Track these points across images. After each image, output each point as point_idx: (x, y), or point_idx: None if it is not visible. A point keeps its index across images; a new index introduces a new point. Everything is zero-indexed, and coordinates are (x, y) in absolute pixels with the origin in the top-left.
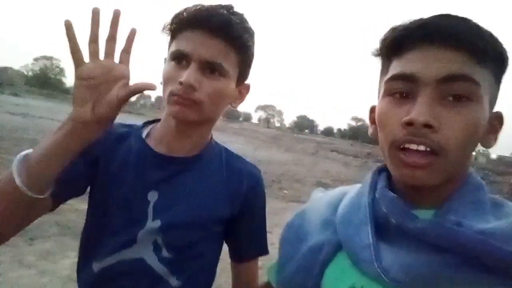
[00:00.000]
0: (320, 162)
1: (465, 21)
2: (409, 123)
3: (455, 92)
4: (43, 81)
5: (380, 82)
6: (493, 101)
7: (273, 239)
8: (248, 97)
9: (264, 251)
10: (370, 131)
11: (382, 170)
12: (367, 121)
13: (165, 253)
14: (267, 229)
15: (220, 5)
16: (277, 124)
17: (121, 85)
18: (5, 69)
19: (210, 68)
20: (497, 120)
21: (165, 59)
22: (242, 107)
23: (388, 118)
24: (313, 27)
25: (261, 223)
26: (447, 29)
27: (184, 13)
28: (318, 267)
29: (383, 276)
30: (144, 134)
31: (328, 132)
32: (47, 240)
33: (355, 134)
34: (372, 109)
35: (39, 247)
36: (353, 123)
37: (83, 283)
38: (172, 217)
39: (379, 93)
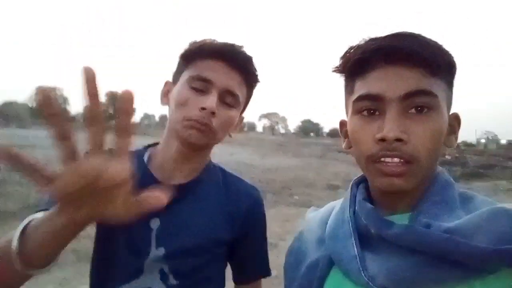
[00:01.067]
0: (328, 165)
1: (417, 39)
2: (382, 139)
3: (417, 105)
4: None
5: (346, 99)
6: (449, 104)
7: (287, 245)
8: (251, 107)
9: (266, 272)
10: (344, 145)
11: (360, 182)
12: None
13: (172, 280)
14: (280, 237)
15: (237, 44)
16: (282, 131)
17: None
18: (10, 104)
19: (227, 100)
20: (456, 121)
21: (167, 82)
22: (246, 117)
23: (361, 136)
24: (309, 27)
25: (262, 244)
26: (403, 50)
27: (207, 43)
28: (316, 284)
29: (371, 284)
30: (145, 158)
31: (334, 133)
32: (64, 267)
33: None
34: (342, 123)
35: (57, 274)
36: None
37: None
38: (175, 244)
39: (347, 110)
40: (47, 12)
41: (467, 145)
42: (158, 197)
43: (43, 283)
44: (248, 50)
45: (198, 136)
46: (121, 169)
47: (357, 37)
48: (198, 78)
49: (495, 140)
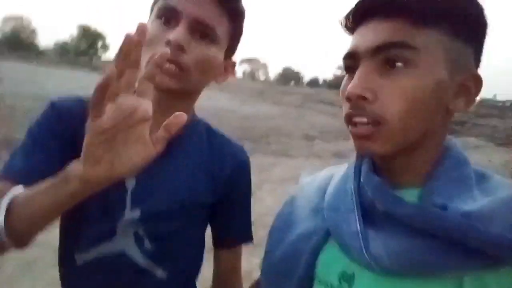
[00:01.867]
0: (307, 115)
1: None
2: (347, 98)
3: (390, 58)
4: (15, 42)
5: None
6: (458, 60)
7: (263, 194)
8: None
9: (248, 239)
10: None
11: None
12: None
13: (147, 244)
14: (257, 186)
15: None
16: (262, 78)
17: (147, 132)
18: None
19: (201, 31)
20: (473, 81)
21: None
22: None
23: (342, 96)
24: None
25: (246, 209)
26: (384, 0)
27: None
28: (309, 255)
29: (373, 264)
30: None
31: (314, 83)
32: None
33: (341, 83)
34: None
35: (51, 274)
36: (339, 72)
37: (66, 277)
38: (152, 205)
39: None
40: None
41: None
42: (176, 117)
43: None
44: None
45: (165, 80)
46: (148, 106)
47: None
48: (165, 7)
49: None
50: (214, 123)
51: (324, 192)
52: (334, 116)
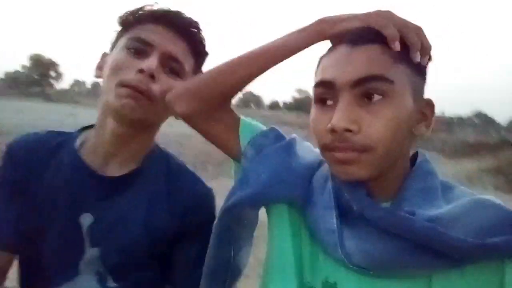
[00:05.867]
0: None
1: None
2: (331, 130)
3: (370, 92)
4: None
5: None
6: (417, 90)
7: None
8: None
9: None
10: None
11: None
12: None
13: (111, 283)
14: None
15: (180, 11)
16: None
17: None
18: None
19: (170, 66)
20: (428, 108)
21: (104, 53)
22: None
23: (316, 126)
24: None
25: (201, 253)
26: (358, 30)
27: (147, 9)
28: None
29: (346, 261)
30: (77, 144)
31: (274, 105)
32: None
33: (300, 105)
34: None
35: None
36: (297, 95)
37: None
38: (111, 242)
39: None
40: None
41: None
42: None
43: None
44: (193, 17)
45: (134, 106)
46: None
47: (299, 7)
48: (137, 39)
49: None
50: (176, 149)
51: (313, 173)
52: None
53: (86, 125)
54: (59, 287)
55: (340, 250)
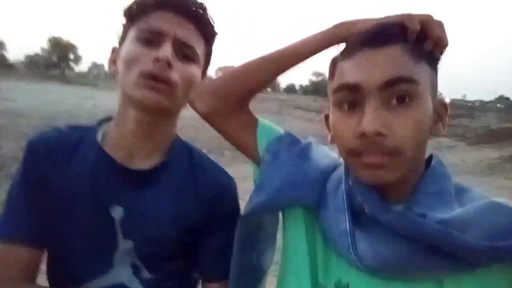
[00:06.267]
0: (285, 121)
1: (394, 23)
2: (362, 135)
3: (398, 94)
4: None
5: (328, 84)
6: (434, 90)
7: (244, 204)
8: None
9: (224, 275)
10: (329, 138)
11: None
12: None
13: (146, 275)
14: (239, 195)
15: None
16: None
17: None
18: None
19: (183, 52)
20: (443, 108)
21: (114, 48)
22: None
23: (341, 130)
24: None
25: (227, 241)
26: (380, 32)
27: None
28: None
29: (358, 262)
30: (99, 137)
31: (290, 89)
32: None
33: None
34: (326, 117)
35: None
36: (314, 78)
37: None
38: (144, 235)
39: (329, 97)
40: None
41: None
42: None
43: None
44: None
45: (156, 96)
46: None
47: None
48: (147, 29)
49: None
50: (193, 133)
51: (326, 177)
52: (311, 121)
53: (104, 113)
54: (94, 281)
55: (352, 252)
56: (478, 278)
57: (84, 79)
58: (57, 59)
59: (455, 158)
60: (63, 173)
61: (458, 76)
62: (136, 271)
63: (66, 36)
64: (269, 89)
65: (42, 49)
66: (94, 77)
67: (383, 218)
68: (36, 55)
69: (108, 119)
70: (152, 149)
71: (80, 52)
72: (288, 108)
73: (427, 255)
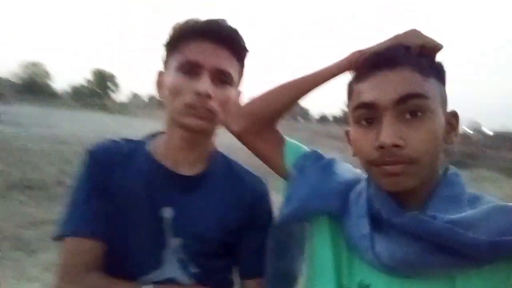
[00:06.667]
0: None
1: (402, 45)
2: (380, 147)
3: (411, 109)
4: (32, 87)
5: (347, 104)
6: (444, 103)
7: None
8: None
9: (259, 273)
10: (352, 152)
11: None
12: None
13: (193, 269)
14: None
15: (219, 19)
16: None
17: None
18: None
19: (220, 78)
20: (454, 118)
21: (159, 72)
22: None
23: (361, 144)
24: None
25: (264, 242)
26: (390, 55)
27: (189, 24)
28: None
29: (376, 261)
30: (150, 149)
31: (323, 119)
32: (50, 251)
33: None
34: (347, 133)
35: (41, 259)
36: (346, 108)
37: None
38: (191, 233)
39: (349, 116)
40: None
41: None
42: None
43: (28, 267)
44: (231, 23)
45: (199, 122)
46: None
47: (342, 23)
48: (186, 62)
49: (478, 129)
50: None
51: (350, 189)
52: (342, 151)
53: (144, 134)
54: (147, 276)
55: (370, 252)
56: (486, 274)
57: (124, 109)
58: (99, 89)
59: (494, 190)
60: (121, 178)
61: (500, 106)
62: (184, 266)
63: (109, 67)
64: (301, 119)
65: (86, 79)
66: (133, 107)
67: (397, 220)
68: (80, 85)
69: (154, 135)
70: (195, 159)
71: (121, 83)
72: (320, 137)
73: (436, 253)
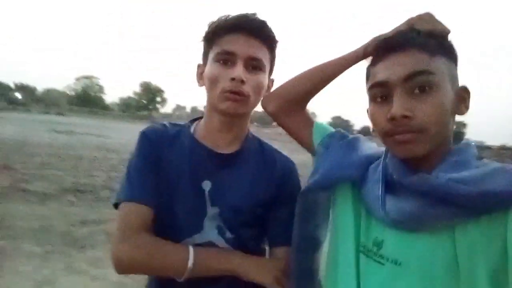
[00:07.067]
0: None
1: (411, 30)
2: (392, 118)
3: (419, 85)
4: (85, 99)
5: (366, 85)
6: (453, 78)
7: None
8: None
9: (290, 242)
10: (371, 130)
11: None
12: None
13: (228, 234)
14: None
15: (250, 13)
16: None
17: None
18: (50, 91)
19: (252, 65)
20: (465, 92)
21: (199, 65)
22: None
23: (376, 118)
24: (335, 19)
25: (291, 213)
26: (399, 39)
27: (222, 20)
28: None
29: (385, 217)
30: (192, 131)
31: (365, 131)
32: (97, 247)
33: None
34: (368, 110)
35: (90, 254)
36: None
37: None
38: (227, 203)
39: (367, 95)
40: (87, 3)
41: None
42: None
43: (77, 261)
44: (260, 16)
45: (235, 106)
46: None
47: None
48: (222, 52)
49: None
50: None
51: (368, 163)
52: None
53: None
54: (189, 238)
55: (382, 210)
56: (483, 225)
57: (168, 119)
58: (146, 102)
59: None
60: (168, 155)
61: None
62: (221, 232)
63: (155, 81)
64: (341, 131)
65: (134, 92)
66: (177, 117)
67: (405, 180)
68: (128, 97)
69: (196, 119)
70: (231, 140)
71: (166, 95)
72: None
73: (438, 206)
